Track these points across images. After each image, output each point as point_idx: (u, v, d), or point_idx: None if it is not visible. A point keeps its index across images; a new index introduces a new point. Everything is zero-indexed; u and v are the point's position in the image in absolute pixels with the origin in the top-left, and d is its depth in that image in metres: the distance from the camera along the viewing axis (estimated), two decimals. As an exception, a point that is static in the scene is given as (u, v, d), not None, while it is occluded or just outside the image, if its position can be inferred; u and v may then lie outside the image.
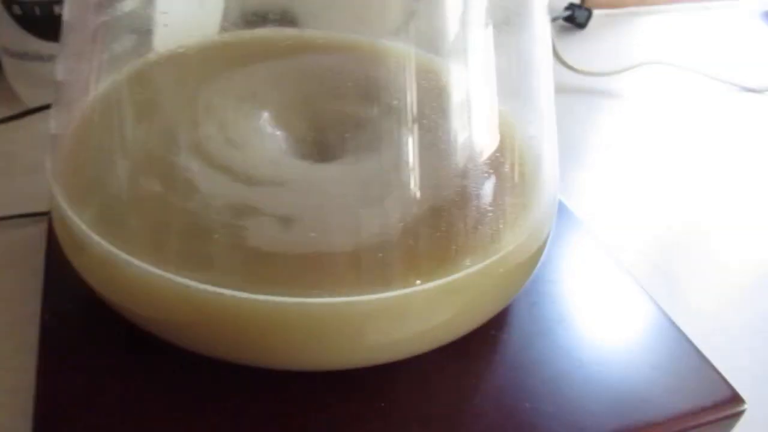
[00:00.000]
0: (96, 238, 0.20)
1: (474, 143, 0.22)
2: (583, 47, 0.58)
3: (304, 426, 0.21)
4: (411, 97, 0.21)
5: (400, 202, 0.21)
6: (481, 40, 0.23)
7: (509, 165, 0.23)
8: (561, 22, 0.60)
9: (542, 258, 0.24)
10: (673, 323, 0.25)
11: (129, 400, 0.21)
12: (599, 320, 0.25)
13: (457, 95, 0.23)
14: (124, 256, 0.20)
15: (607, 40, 0.59)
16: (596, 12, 0.60)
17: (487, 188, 0.22)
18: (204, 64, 0.25)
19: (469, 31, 0.23)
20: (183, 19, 0.25)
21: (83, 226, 0.20)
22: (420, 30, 0.23)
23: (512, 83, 0.24)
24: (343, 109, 0.25)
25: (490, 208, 0.22)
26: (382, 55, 0.26)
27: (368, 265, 0.20)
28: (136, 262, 0.20)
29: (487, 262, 0.21)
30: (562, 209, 0.30)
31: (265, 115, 0.24)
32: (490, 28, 0.23)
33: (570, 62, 0.52)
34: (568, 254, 0.28)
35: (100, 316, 0.22)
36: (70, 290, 0.23)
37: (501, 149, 0.22)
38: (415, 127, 0.21)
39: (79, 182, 0.22)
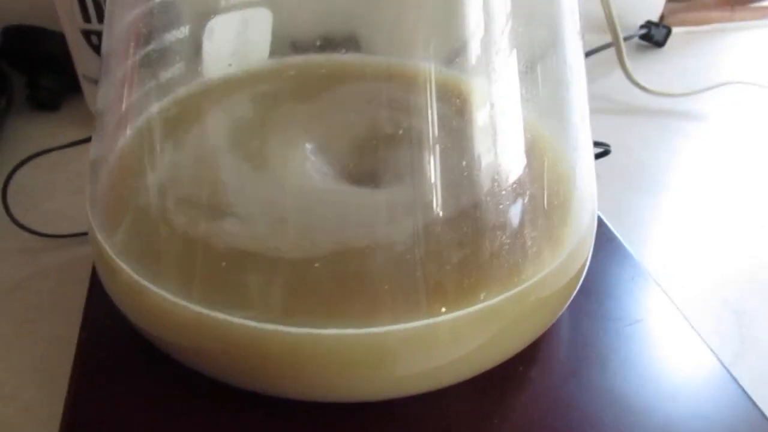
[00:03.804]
0: (121, 264, 0.21)
1: (511, 170, 0.21)
2: (660, 67, 0.55)
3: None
4: (448, 122, 0.20)
5: (434, 231, 0.20)
6: (520, 65, 0.22)
7: (543, 190, 0.22)
8: (637, 40, 0.57)
9: (576, 289, 0.23)
10: (727, 370, 0.23)
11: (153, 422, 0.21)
12: (641, 361, 0.23)
13: (495, 121, 0.22)
14: (151, 286, 0.20)
15: (686, 59, 0.56)
16: (675, 30, 0.57)
17: (521, 215, 0.21)
18: (243, 92, 0.26)
19: (509, 56, 0.22)
20: (228, 48, 0.25)
21: (110, 252, 0.21)
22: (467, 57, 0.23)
23: (549, 106, 0.23)
24: (383, 135, 0.25)
25: (522, 235, 0.21)
26: (424, 81, 0.25)
27: (399, 294, 0.20)
28: (163, 293, 0.20)
29: (515, 290, 0.20)
30: (608, 236, 0.28)
31: (306, 144, 0.24)
32: (528, 52, 0.22)
33: (644, 82, 0.49)
34: (610, 285, 0.26)
35: (136, 338, 0.23)
36: (109, 309, 0.24)
37: (538, 173, 0.21)
38: (451, 153, 0.20)
39: (112, 210, 0.22)
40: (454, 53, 0.23)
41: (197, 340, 0.20)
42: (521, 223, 0.21)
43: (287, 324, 0.19)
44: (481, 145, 0.21)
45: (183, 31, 0.24)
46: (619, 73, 0.50)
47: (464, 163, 0.21)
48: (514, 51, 0.22)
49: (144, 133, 0.23)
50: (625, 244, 0.29)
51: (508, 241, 0.20)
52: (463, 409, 0.22)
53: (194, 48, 0.24)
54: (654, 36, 0.56)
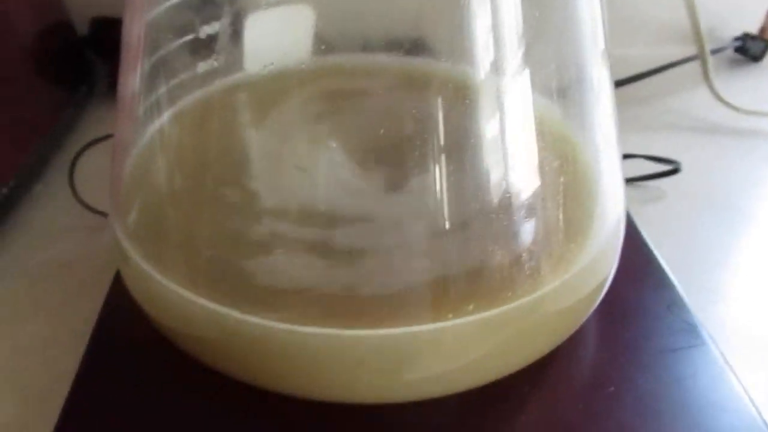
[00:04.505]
0: (130, 249, 0.21)
1: (533, 177, 0.21)
2: (753, 83, 0.51)
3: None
4: (476, 126, 0.20)
5: (455, 235, 0.20)
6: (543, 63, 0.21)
7: (568, 193, 0.21)
8: (731, 53, 0.53)
9: (594, 305, 0.21)
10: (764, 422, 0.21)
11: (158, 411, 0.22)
12: (659, 398, 0.22)
13: (519, 120, 0.21)
14: (157, 275, 0.20)
15: (786, 75, 0.52)
16: (776, 43, 0.53)
17: (534, 224, 0.20)
18: (274, 92, 0.26)
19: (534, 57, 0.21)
20: (266, 45, 0.25)
21: (125, 244, 0.22)
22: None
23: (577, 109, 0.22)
24: (411, 139, 0.24)
25: (534, 245, 0.20)
26: (456, 85, 0.25)
27: (415, 296, 0.19)
28: (183, 291, 0.20)
29: (528, 298, 0.19)
30: (647, 259, 0.26)
31: (336, 145, 0.24)
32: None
33: (733, 99, 0.46)
34: (640, 311, 0.25)
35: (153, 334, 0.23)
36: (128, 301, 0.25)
37: (562, 176, 0.20)
38: (476, 158, 0.20)
39: (129, 204, 0.23)
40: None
41: (201, 332, 0.21)
42: (531, 233, 0.20)
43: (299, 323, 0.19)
44: (506, 150, 0.20)
45: (222, 24, 0.25)
46: (703, 88, 0.47)
47: (488, 168, 0.20)
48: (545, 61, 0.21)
49: (167, 124, 0.23)
50: (666, 268, 0.27)
51: (520, 250, 0.20)
52: (462, 421, 0.21)
53: (231, 42, 0.25)
54: (750, 49, 0.52)
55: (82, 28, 0.47)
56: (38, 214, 0.37)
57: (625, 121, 0.49)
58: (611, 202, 0.22)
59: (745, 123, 0.46)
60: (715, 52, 0.49)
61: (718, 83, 0.46)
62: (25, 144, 0.38)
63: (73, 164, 0.36)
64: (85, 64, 0.47)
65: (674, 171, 0.39)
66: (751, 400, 0.21)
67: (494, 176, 0.20)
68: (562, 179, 0.20)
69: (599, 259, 0.21)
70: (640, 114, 0.47)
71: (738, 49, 0.53)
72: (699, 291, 0.31)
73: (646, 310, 0.25)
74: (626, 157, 0.39)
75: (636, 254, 0.27)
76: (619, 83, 0.51)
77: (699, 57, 0.46)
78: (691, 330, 0.24)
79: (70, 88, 0.44)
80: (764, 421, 0.21)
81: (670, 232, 0.36)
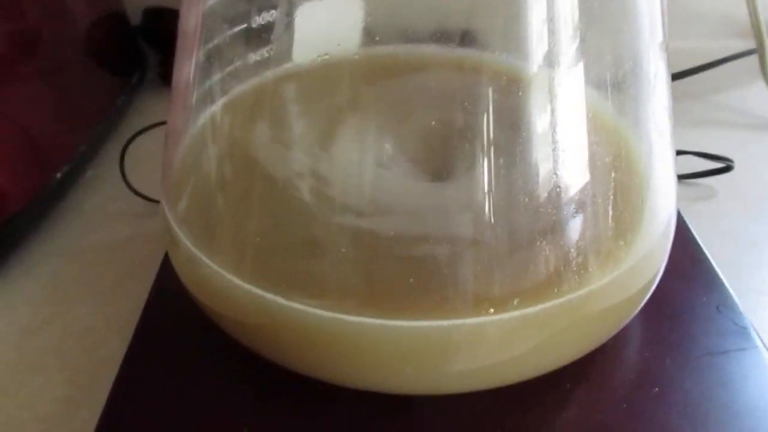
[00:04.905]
0: (180, 234, 0.22)
1: (583, 169, 0.20)
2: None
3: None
4: (527, 118, 0.20)
5: (504, 228, 0.20)
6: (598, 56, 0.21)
7: (619, 189, 0.20)
8: (791, 48, 0.51)
9: (640, 304, 0.21)
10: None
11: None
12: (707, 399, 0.21)
13: (571, 114, 0.21)
14: (205, 259, 0.21)
15: None
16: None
17: (582, 218, 0.20)
18: (325, 82, 0.26)
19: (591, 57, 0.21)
20: (316, 34, 0.26)
21: (175, 228, 0.22)
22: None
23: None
24: (461, 131, 0.24)
25: (589, 235, 0.20)
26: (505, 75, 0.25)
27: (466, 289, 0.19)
28: (232, 278, 0.20)
29: (573, 295, 0.19)
30: (698, 258, 0.26)
31: (385, 136, 0.24)
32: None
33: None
34: (689, 311, 0.24)
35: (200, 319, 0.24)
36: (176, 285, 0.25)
37: (613, 171, 0.20)
38: (528, 150, 0.20)
39: (180, 190, 0.24)
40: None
41: (246, 318, 0.21)
42: (579, 229, 0.20)
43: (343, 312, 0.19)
44: (557, 144, 0.20)
45: (275, 15, 0.25)
46: (761, 84, 0.45)
47: (537, 161, 0.20)
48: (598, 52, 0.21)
49: (219, 113, 0.24)
50: (716, 268, 0.26)
51: (568, 246, 0.19)
52: (501, 416, 0.21)
53: (284, 32, 0.25)
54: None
55: (135, 18, 0.48)
56: (90, 199, 0.38)
57: (677, 116, 0.48)
58: (663, 200, 0.22)
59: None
60: (774, 46, 0.47)
61: (776, 79, 0.45)
62: (79, 131, 0.39)
63: (123, 151, 0.37)
64: (137, 54, 0.48)
65: (727, 169, 0.37)
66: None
67: (543, 170, 0.19)
68: (613, 175, 0.20)
69: (648, 258, 0.20)
70: (693, 109, 0.46)
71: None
72: (748, 292, 0.30)
73: (694, 311, 0.24)
74: (677, 153, 0.38)
75: (685, 253, 0.27)
76: (673, 77, 0.49)
77: (757, 51, 0.44)
78: (741, 332, 0.23)
79: (123, 77, 0.46)
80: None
81: (720, 231, 0.35)
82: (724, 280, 0.25)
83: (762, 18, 0.43)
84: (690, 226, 0.29)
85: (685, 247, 0.27)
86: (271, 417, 0.22)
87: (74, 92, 0.39)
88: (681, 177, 0.38)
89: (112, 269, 0.33)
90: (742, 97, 0.47)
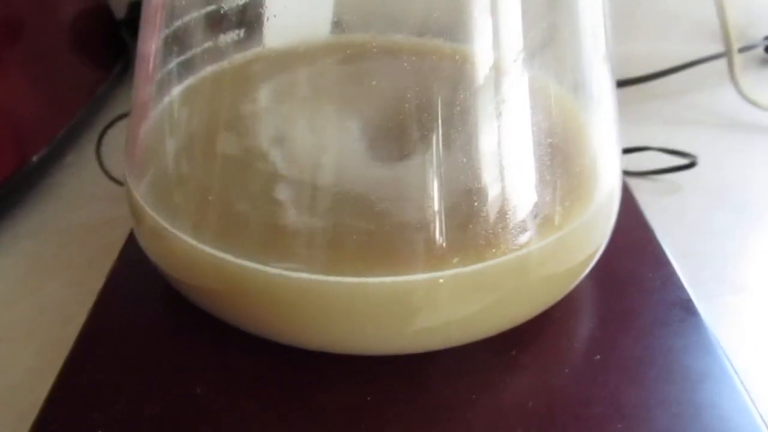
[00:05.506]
0: (147, 209, 0.22)
1: (529, 133, 0.21)
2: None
3: (333, 402, 0.21)
4: (476, 91, 0.20)
5: (453, 185, 0.20)
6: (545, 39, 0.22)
7: (560, 156, 0.21)
8: (761, 52, 0.53)
9: (584, 272, 0.22)
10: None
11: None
12: (646, 362, 0.22)
13: (519, 89, 0.22)
14: (184, 237, 0.21)
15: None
16: (808, 44, 0.52)
17: (537, 175, 0.21)
18: (288, 64, 0.27)
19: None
20: (288, 19, 0.27)
21: (137, 197, 0.23)
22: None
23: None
24: (419, 110, 0.25)
25: (528, 198, 0.20)
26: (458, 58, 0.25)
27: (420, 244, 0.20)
28: (190, 240, 0.21)
29: (513, 255, 0.19)
30: (658, 256, 0.26)
31: (343, 114, 0.25)
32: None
33: (757, 97, 0.45)
34: (631, 281, 0.25)
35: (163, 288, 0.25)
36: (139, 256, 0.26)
37: (558, 136, 0.21)
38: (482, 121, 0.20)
39: (143, 162, 0.24)
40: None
41: (206, 282, 0.22)
42: (522, 192, 0.20)
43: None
44: (500, 111, 0.21)
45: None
46: (728, 86, 0.47)
47: (483, 127, 0.21)
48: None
49: (182, 89, 0.24)
50: (665, 248, 0.27)
51: (510, 207, 0.20)
52: (449, 379, 0.22)
53: (252, 16, 0.26)
54: (780, 49, 0.52)
55: (120, 11, 0.49)
56: (68, 181, 0.39)
57: (647, 115, 0.49)
58: (604, 171, 0.22)
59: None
60: (744, 50, 0.49)
61: (745, 81, 0.46)
62: (58, 117, 0.40)
63: (100, 137, 0.38)
64: (121, 46, 0.49)
65: (691, 165, 0.38)
66: (735, 371, 0.22)
67: (484, 139, 0.20)
68: (550, 141, 0.21)
69: (587, 226, 0.21)
70: (663, 108, 0.47)
71: (768, 49, 0.52)
72: (708, 282, 0.31)
73: (641, 285, 0.25)
74: (644, 149, 0.39)
75: (637, 234, 0.27)
76: (646, 78, 0.51)
77: (726, 55, 0.46)
78: (683, 305, 0.24)
79: (105, 68, 0.46)
80: (746, 390, 0.21)
81: (684, 224, 0.36)
82: (672, 259, 0.26)
83: (733, 24, 0.45)
84: (651, 218, 0.30)
85: (637, 229, 0.28)
86: (225, 377, 0.22)
87: (55, 80, 0.40)
88: (647, 173, 0.39)
89: (86, 249, 0.34)
90: (710, 98, 0.48)
